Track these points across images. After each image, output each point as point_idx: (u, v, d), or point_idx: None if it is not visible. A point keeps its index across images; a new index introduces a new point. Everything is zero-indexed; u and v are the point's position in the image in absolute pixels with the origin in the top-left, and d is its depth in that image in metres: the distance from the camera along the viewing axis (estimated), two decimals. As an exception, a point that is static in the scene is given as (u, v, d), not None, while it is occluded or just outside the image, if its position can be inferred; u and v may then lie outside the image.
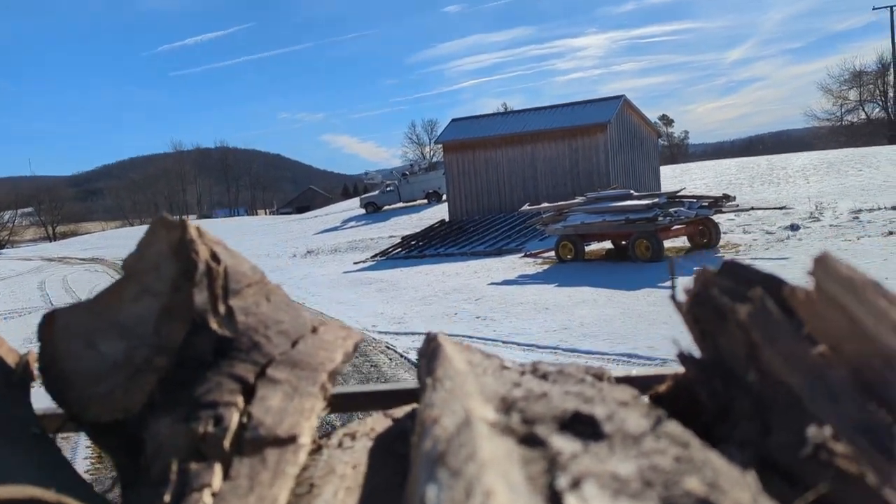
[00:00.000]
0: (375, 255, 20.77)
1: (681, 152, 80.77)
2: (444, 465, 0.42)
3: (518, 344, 8.20)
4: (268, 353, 0.69)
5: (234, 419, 0.59)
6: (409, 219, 30.58)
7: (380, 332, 9.96)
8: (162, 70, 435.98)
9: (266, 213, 79.08)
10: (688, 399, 0.68)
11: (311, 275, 18.76)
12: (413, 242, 21.64)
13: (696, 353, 0.69)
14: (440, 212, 30.30)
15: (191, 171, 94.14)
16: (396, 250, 20.96)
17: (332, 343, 0.78)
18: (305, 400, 0.65)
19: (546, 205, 15.60)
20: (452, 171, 25.27)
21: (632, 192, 14.46)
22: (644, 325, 7.97)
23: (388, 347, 8.88)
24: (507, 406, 0.56)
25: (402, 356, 8.34)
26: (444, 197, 35.16)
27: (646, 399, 0.71)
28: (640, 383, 0.76)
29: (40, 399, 0.75)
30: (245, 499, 0.52)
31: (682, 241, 14.60)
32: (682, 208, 12.82)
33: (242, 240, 33.36)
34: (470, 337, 8.85)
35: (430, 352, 0.76)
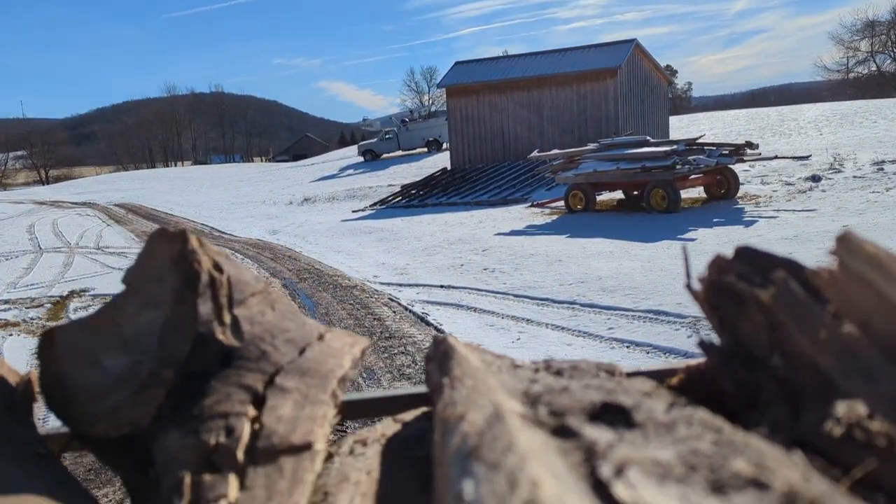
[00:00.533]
0: (374, 204, 20.11)
1: (683, 105, 79.23)
2: (479, 459, 0.41)
3: (531, 298, 7.66)
4: (276, 361, 0.67)
5: (245, 429, 0.58)
6: (408, 167, 29.96)
7: (382, 284, 9.42)
8: (153, 11, 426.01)
9: (262, 161, 78.16)
10: (703, 390, 0.66)
11: (309, 222, 18.17)
12: (413, 192, 20.95)
13: (717, 341, 0.67)
14: (441, 161, 29.85)
15: (185, 115, 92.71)
16: (396, 199, 20.30)
17: (339, 350, 0.76)
18: (317, 407, 0.64)
19: (556, 151, 14.85)
20: (455, 117, 24.23)
21: (648, 138, 13.70)
22: (668, 280, 7.42)
23: (392, 300, 8.33)
24: (531, 400, 0.55)
25: (406, 309, 7.80)
26: (445, 145, 34.58)
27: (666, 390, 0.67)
28: (652, 377, 0.72)
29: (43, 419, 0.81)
30: None
31: (697, 192, 13.93)
32: (701, 156, 12.11)
33: (239, 186, 32.72)
34: (478, 290, 8.30)
35: (441, 354, 0.73)
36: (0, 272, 13.97)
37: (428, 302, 8.07)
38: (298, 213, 20.91)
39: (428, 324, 7.07)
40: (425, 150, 34.77)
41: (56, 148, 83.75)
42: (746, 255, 0.66)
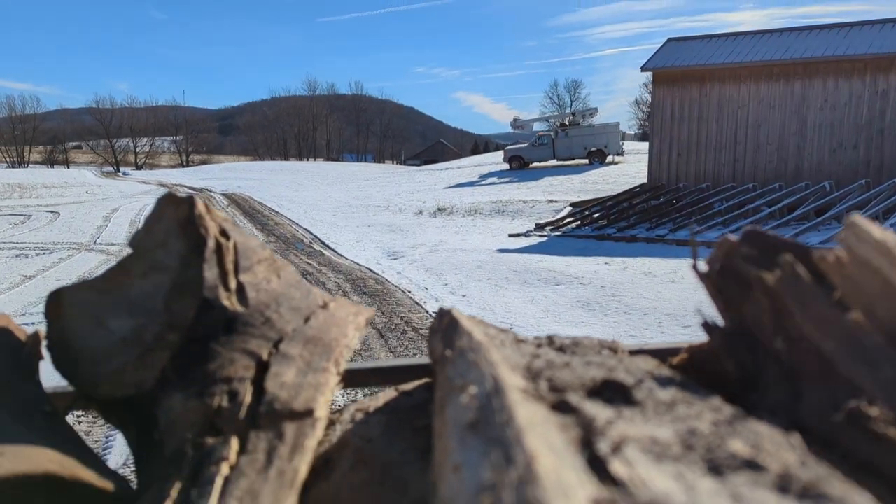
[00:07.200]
0: (543, 227, 13.50)
1: None
2: (476, 432, 0.40)
3: None
4: (280, 329, 0.67)
5: (248, 394, 0.58)
6: (567, 180, 23.62)
7: None
8: (310, 15, 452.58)
9: (393, 164, 74.87)
10: (703, 370, 0.66)
11: (446, 245, 11.88)
12: (597, 214, 14.13)
13: (721, 322, 0.67)
14: (610, 175, 23.08)
15: (323, 111, 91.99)
16: (573, 222, 13.66)
17: (343, 319, 0.75)
18: (320, 375, 0.63)
19: None
20: (663, 114, 16.92)
21: None
22: None
23: None
24: (532, 375, 0.55)
25: None
26: (611, 158, 27.82)
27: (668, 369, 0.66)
28: (655, 356, 0.72)
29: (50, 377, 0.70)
30: (265, 472, 0.51)
31: None
32: None
33: (363, 186, 27.65)
34: None
35: (446, 326, 0.72)
36: (14, 268, 8.88)
37: None
38: (430, 229, 14.84)
39: None
40: (586, 161, 28.19)
41: (201, 136, 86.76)
42: (754, 238, 0.65)
